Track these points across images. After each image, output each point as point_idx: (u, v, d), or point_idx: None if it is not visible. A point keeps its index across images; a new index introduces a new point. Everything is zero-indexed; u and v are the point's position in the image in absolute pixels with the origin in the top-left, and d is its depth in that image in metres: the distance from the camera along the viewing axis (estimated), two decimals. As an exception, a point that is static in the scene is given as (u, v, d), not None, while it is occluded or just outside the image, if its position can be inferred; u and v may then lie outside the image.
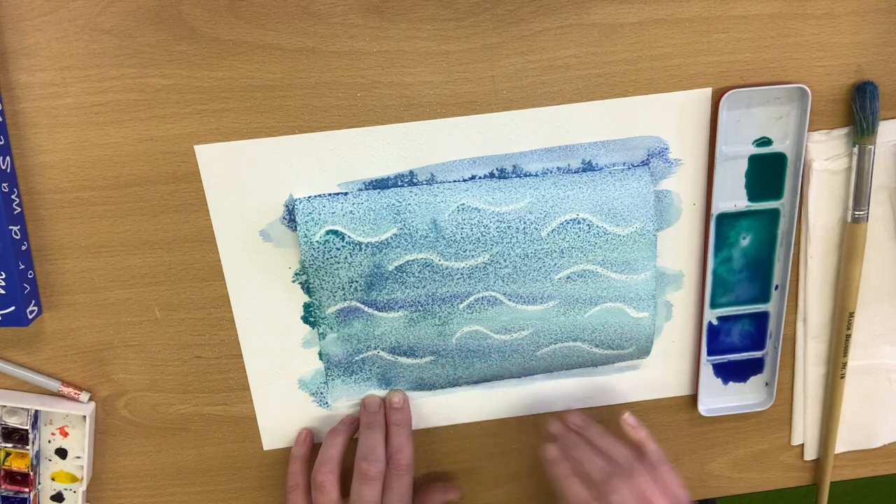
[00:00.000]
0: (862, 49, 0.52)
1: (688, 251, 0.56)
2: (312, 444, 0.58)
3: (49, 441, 0.57)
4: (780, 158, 0.54)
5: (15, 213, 0.50)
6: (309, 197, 0.52)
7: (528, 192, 0.52)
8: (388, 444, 0.54)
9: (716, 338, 0.59)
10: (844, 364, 0.59)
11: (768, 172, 0.54)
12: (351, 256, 0.52)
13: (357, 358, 0.56)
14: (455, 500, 0.61)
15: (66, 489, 0.58)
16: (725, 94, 0.51)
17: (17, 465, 0.56)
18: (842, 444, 0.63)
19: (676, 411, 0.61)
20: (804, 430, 0.62)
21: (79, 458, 0.57)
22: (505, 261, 0.53)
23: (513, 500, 0.63)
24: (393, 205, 0.52)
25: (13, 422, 0.56)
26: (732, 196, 0.55)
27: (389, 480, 0.53)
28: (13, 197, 0.50)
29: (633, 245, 0.54)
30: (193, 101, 0.50)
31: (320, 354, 0.56)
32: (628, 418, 0.55)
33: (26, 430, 0.56)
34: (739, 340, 0.59)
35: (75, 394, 0.56)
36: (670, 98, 0.52)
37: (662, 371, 0.60)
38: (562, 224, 0.53)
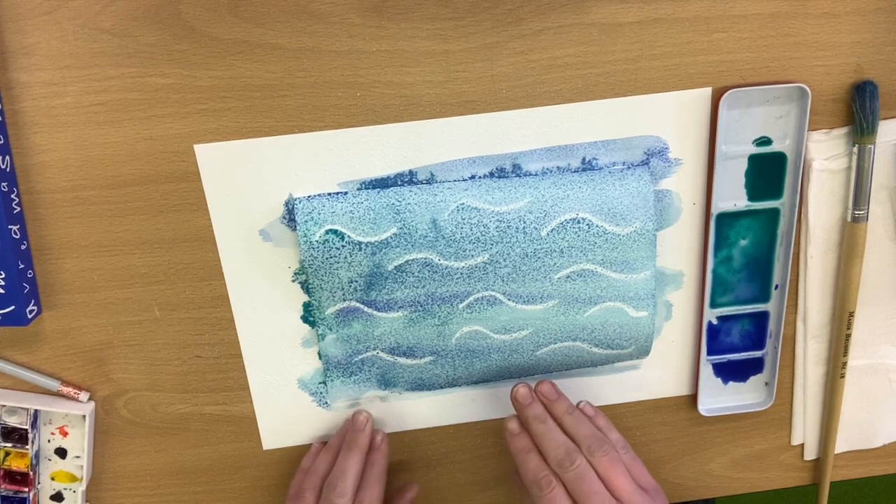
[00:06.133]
0: (862, 49, 0.52)
1: (687, 251, 0.56)
2: None
3: (49, 441, 0.57)
4: (779, 158, 0.54)
5: (15, 212, 0.50)
6: (309, 196, 0.52)
7: (528, 192, 0.52)
8: (361, 475, 0.53)
9: (716, 337, 0.59)
10: (844, 364, 0.59)
11: (768, 172, 0.54)
12: (351, 256, 0.52)
13: (356, 358, 0.56)
14: (417, 495, 0.60)
15: (65, 489, 0.58)
16: (725, 94, 0.51)
17: (17, 464, 0.56)
18: (842, 444, 0.62)
19: (676, 411, 0.61)
20: (804, 430, 0.62)
21: (78, 457, 0.57)
22: (505, 260, 0.53)
23: (512, 499, 0.63)
24: (393, 204, 0.52)
25: (13, 421, 0.56)
26: (732, 195, 0.55)
27: None
28: (13, 196, 0.50)
29: (633, 245, 0.54)
30: (193, 100, 0.50)
31: (320, 354, 0.56)
32: (586, 408, 0.53)
33: (26, 430, 0.56)
34: (739, 340, 0.59)
35: (75, 393, 0.56)
36: (670, 98, 0.52)
37: (662, 371, 0.60)
38: (561, 223, 0.53)
